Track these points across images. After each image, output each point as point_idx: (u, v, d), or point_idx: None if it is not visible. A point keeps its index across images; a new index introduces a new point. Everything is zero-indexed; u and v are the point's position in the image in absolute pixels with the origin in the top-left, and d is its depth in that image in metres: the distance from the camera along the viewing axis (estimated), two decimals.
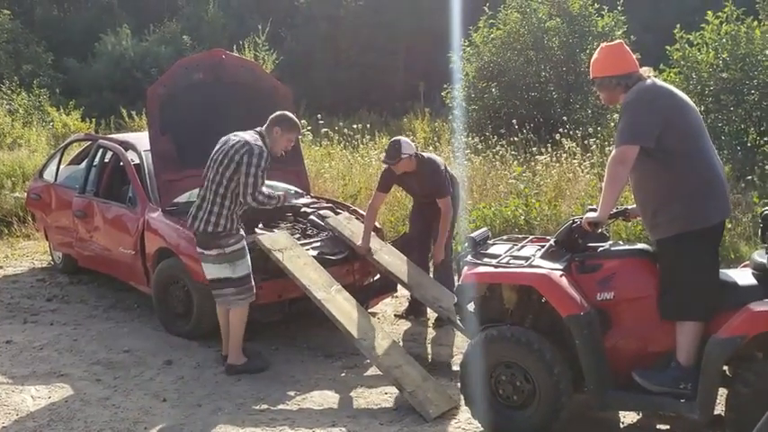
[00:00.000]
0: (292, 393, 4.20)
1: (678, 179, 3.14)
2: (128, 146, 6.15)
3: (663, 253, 3.24)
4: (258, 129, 4.48)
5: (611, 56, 3.35)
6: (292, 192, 5.17)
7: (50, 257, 7.36)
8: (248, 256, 4.47)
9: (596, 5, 12.16)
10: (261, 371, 4.53)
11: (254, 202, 4.32)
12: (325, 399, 4.13)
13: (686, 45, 9.27)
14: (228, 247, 4.37)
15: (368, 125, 11.56)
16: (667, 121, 3.13)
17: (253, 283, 4.49)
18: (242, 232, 4.48)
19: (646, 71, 3.33)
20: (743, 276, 3.20)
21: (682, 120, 3.19)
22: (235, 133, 4.45)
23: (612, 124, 10.58)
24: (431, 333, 5.24)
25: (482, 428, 3.59)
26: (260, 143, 4.36)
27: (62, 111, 15.82)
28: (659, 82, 3.31)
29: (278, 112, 4.53)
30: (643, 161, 3.16)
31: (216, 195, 4.34)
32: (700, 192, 3.13)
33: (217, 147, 4.45)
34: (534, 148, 9.20)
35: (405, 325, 5.45)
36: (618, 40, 3.42)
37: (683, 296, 3.12)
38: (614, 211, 3.59)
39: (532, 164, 8.70)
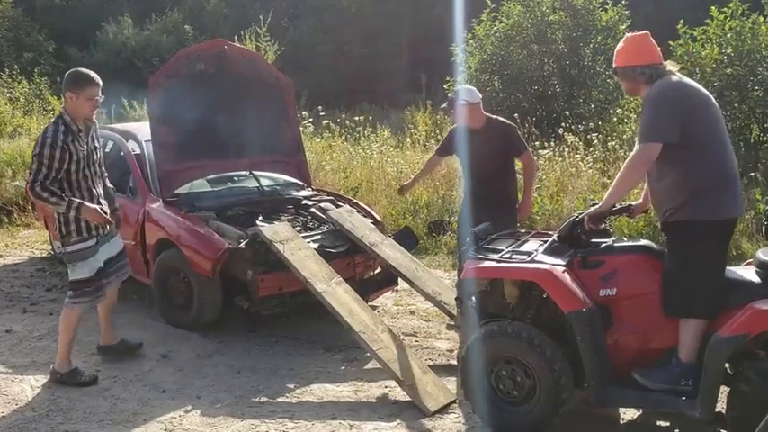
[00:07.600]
0: (292, 386, 4.19)
1: (694, 172, 3.12)
2: (129, 136, 6.14)
3: (671, 241, 3.23)
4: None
5: (635, 45, 3.30)
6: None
7: (50, 247, 7.35)
8: (90, 261, 4.09)
9: None
10: (85, 385, 4.16)
11: (31, 194, 3.91)
12: (324, 392, 4.12)
13: (689, 40, 9.22)
14: (69, 246, 4.07)
15: (369, 117, 11.52)
16: (689, 119, 3.10)
17: (90, 290, 4.12)
18: (90, 234, 4.09)
19: (670, 65, 3.29)
20: (746, 274, 3.19)
21: (704, 118, 3.16)
22: None
23: (615, 119, 10.54)
24: (431, 327, 5.23)
25: (481, 423, 3.58)
26: (53, 125, 3.95)
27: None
28: (684, 79, 3.27)
29: (66, 74, 3.98)
30: (663, 150, 3.14)
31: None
32: (713, 186, 3.12)
33: None
34: (537, 143, 9.14)
35: (405, 318, 5.44)
36: (644, 31, 3.37)
37: (687, 293, 3.10)
38: (618, 207, 3.57)
39: (534, 158, 8.64)
